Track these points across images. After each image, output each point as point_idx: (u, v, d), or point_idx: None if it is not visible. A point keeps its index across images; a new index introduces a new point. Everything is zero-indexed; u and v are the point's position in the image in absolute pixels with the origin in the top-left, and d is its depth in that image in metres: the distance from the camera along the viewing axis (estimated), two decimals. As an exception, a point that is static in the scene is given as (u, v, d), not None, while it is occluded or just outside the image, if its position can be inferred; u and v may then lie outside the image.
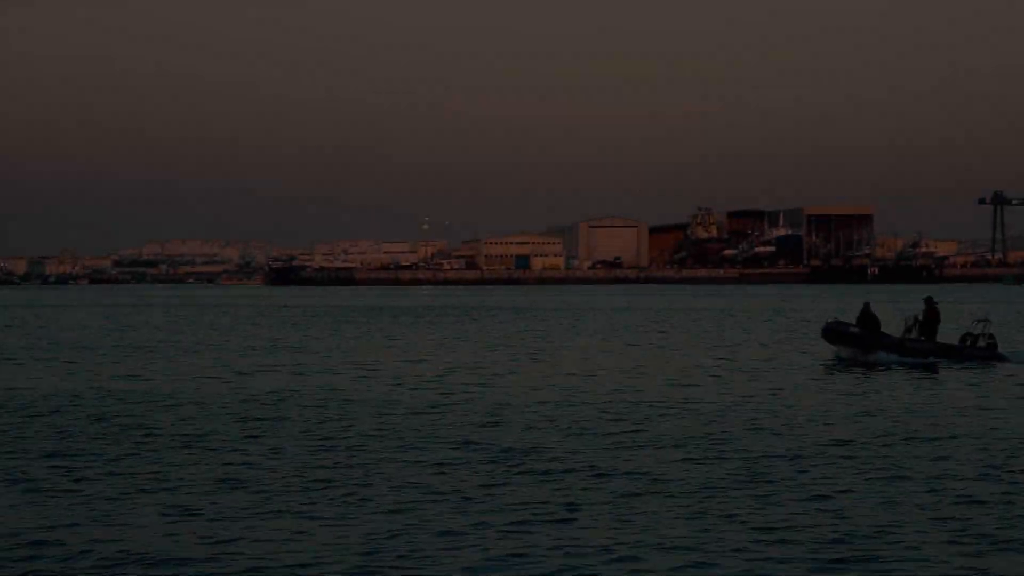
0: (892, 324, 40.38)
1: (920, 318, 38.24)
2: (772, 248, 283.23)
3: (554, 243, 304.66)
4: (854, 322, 39.36)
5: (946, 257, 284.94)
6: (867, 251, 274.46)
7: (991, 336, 37.77)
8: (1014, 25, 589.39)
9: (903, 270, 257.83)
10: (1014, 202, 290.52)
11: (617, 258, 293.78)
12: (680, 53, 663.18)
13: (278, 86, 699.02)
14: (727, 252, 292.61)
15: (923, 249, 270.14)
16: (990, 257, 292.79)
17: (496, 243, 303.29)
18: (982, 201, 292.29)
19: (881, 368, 35.63)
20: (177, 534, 13.98)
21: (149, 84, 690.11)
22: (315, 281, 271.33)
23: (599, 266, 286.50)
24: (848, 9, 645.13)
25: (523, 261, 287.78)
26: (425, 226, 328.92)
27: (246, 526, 14.37)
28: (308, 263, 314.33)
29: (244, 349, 48.17)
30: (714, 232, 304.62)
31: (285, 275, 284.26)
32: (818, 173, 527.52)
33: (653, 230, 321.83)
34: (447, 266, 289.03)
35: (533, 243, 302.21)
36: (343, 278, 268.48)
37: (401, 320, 78.35)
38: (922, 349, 37.44)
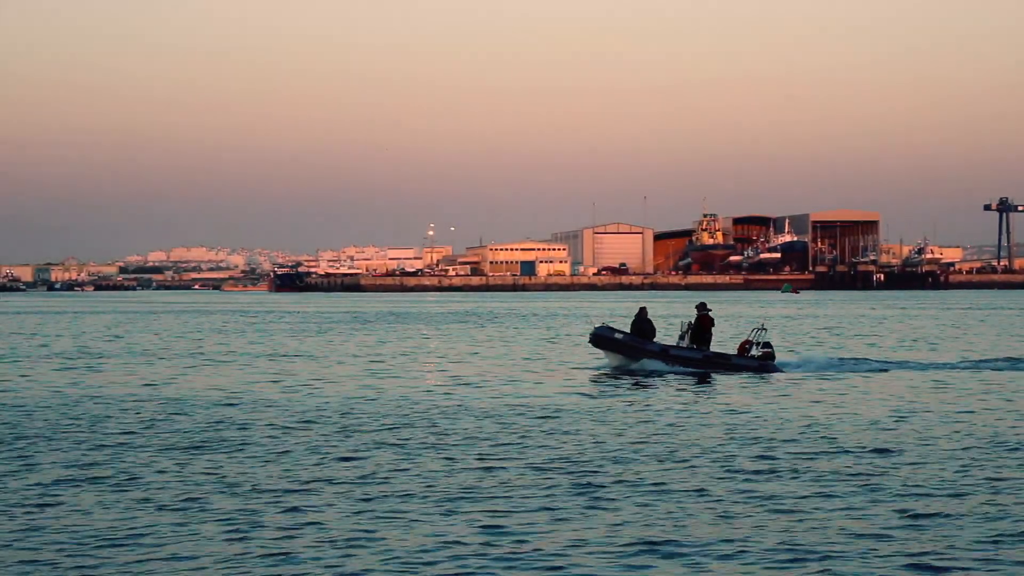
0: (673, 330, 39.50)
1: (692, 325, 36.89)
2: (778, 255, 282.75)
3: (559, 249, 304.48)
4: (630, 327, 37.95)
5: (952, 263, 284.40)
6: (873, 257, 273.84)
7: (767, 344, 36.52)
8: (1021, 32, 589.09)
9: (909, 276, 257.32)
10: (1020, 208, 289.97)
11: (622, 264, 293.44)
12: (686, 59, 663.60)
13: (285, 93, 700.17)
14: (733, 258, 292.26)
15: (929, 255, 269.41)
16: (996, 263, 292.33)
17: (501, 249, 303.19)
18: (988, 207, 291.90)
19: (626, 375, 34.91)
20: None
21: (155, 91, 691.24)
22: (320, 287, 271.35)
23: (604, 272, 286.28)
24: (855, 14, 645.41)
25: (529, 267, 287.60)
26: (431, 232, 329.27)
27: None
28: (314, 269, 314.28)
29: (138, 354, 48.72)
30: (720, 238, 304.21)
31: (290, 281, 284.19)
32: (824, 179, 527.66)
33: (659, 236, 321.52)
34: (453, 272, 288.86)
35: (538, 249, 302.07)
36: (349, 284, 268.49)
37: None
38: (688, 358, 36.14)
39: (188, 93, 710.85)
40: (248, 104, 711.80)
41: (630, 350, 36.63)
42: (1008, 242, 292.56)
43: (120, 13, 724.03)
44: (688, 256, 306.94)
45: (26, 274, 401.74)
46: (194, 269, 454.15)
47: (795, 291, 62.04)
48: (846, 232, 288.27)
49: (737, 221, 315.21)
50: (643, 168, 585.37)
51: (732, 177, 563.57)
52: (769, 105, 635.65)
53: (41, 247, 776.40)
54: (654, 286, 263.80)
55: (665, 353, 36.32)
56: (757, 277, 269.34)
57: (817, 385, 32.50)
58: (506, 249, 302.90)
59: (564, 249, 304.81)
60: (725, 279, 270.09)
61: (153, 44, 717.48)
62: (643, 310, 37.74)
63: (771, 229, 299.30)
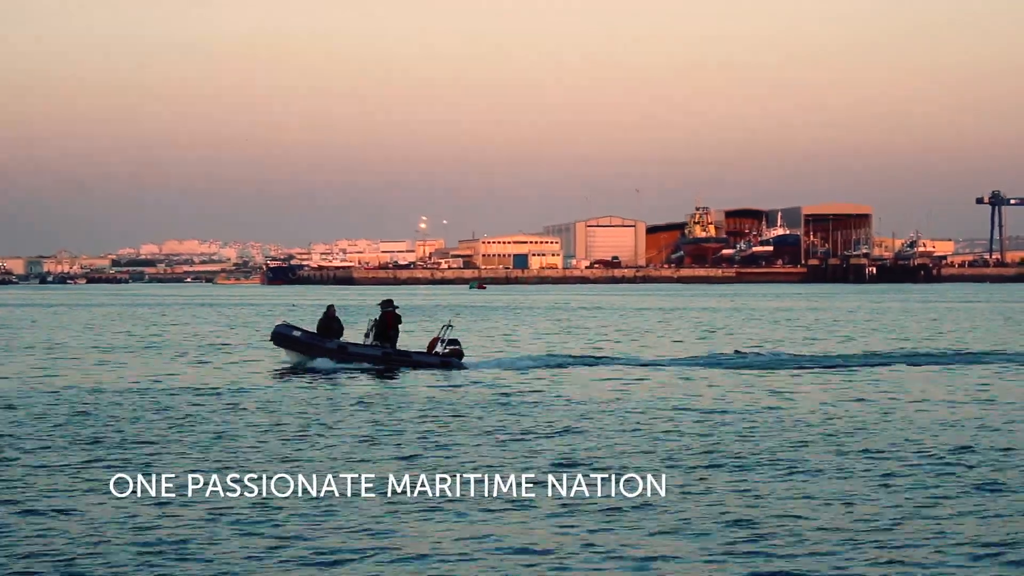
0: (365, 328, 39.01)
1: (377, 323, 36.87)
2: (770, 248, 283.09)
3: (552, 242, 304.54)
4: (316, 326, 37.87)
5: (944, 256, 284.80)
6: (865, 251, 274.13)
7: (455, 342, 36.71)
8: (1013, 25, 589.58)
9: (901, 270, 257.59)
10: (1012, 202, 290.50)
11: (615, 257, 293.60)
12: (678, 53, 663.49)
13: (276, 87, 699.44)
14: (725, 252, 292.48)
15: (921, 248, 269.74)
16: (988, 256, 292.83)
17: (494, 242, 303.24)
18: (980, 201, 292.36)
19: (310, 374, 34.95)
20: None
21: (148, 84, 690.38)
22: (313, 280, 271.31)
23: (597, 265, 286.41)
24: (849, 6, 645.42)
25: (521, 260, 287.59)
26: (423, 225, 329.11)
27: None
28: (306, 262, 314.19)
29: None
30: (712, 231, 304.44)
31: (283, 274, 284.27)
32: (817, 173, 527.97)
33: (651, 229, 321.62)
34: (445, 265, 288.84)
35: (531, 242, 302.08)
36: (341, 277, 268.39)
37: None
38: (368, 355, 36.24)
39: (180, 87, 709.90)
40: (239, 97, 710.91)
41: (308, 348, 36.51)
42: (1000, 235, 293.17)
43: (110, 7, 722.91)
44: (680, 249, 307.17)
45: (18, 267, 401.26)
46: (186, 262, 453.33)
47: (481, 287, 62.98)
48: (838, 225, 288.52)
49: (729, 214, 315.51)
50: (636, 161, 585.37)
51: (725, 170, 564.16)
52: (762, 98, 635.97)
53: (34, 240, 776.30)
54: (646, 279, 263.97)
55: (343, 351, 36.33)
56: (749, 270, 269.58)
57: (488, 376, 33.46)
58: (498, 242, 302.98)
59: (556, 242, 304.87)
60: (717, 272, 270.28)
61: (144, 38, 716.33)
62: (331, 308, 37.80)
63: (763, 222, 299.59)
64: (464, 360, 36.68)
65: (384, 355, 36.21)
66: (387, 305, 37.09)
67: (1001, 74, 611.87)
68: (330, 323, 37.02)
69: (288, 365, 36.54)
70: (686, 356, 41.68)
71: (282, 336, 37.13)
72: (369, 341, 36.71)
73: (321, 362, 35.91)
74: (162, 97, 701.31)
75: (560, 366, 37.41)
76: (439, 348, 36.62)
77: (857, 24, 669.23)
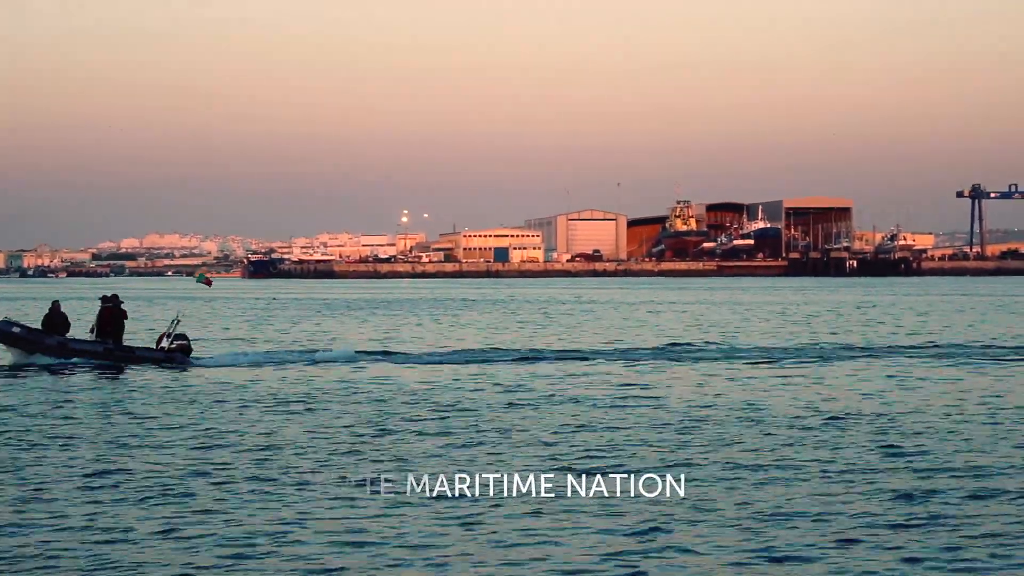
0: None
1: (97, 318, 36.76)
2: (751, 241, 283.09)
3: (533, 236, 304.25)
4: (41, 322, 37.44)
5: (924, 250, 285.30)
6: (845, 244, 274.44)
7: (183, 337, 36.77)
8: (993, 19, 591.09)
9: (881, 263, 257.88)
10: (992, 195, 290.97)
11: (596, 251, 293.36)
12: (660, 47, 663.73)
13: (255, 81, 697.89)
14: (706, 245, 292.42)
15: (901, 242, 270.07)
16: (968, 250, 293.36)
17: (475, 236, 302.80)
18: (960, 194, 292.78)
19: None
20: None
21: (128, 78, 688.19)
22: (294, 274, 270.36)
23: (578, 259, 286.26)
24: (828, 3, 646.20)
25: (502, 254, 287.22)
26: (404, 219, 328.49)
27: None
28: (287, 256, 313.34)
29: None
30: (693, 225, 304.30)
31: (263, 268, 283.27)
32: (797, 166, 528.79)
33: (632, 223, 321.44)
34: (426, 259, 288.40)
35: (512, 236, 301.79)
36: (322, 271, 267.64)
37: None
38: (89, 351, 36.09)
39: (161, 81, 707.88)
40: (220, 92, 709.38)
41: (28, 344, 36.26)
42: (980, 229, 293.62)
43: (89, 4, 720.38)
44: (662, 243, 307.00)
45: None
46: (167, 256, 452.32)
47: (207, 282, 63.42)
48: (819, 219, 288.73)
49: (711, 208, 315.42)
50: (617, 154, 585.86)
51: (706, 164, 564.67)
52: (743, 91, 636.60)
53: (13, 233, 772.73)
54: (627, 272, 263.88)
55: (64, 347, 36.08)
56: (730, 264, 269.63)
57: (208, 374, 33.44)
58: (480, 236, 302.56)
59: (538, 236, 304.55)
60: (698, 266, 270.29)
61: (124, 31, 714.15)
62: (56, 304, 37.45)
63: (744, 216, 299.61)
64: (194, 356, 36.87)
65: (106, 351, 36.11)
66: (106, 300, 36.86)
67: (982, 68, 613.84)
68: (54, 319, 36.75)
69: (6, 362, 36.11)
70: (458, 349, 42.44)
71: (1, 332, 36.63)
72: (92, 336, 36.56)
73: (41, 358, 35.64)
74: (142, 91, 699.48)
75: (283, 363, 37.40)
76: (165, 343, 36.54)
77: (838, 19, 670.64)
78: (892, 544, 13.40)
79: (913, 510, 14.92)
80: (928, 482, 16.64)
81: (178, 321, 37.41)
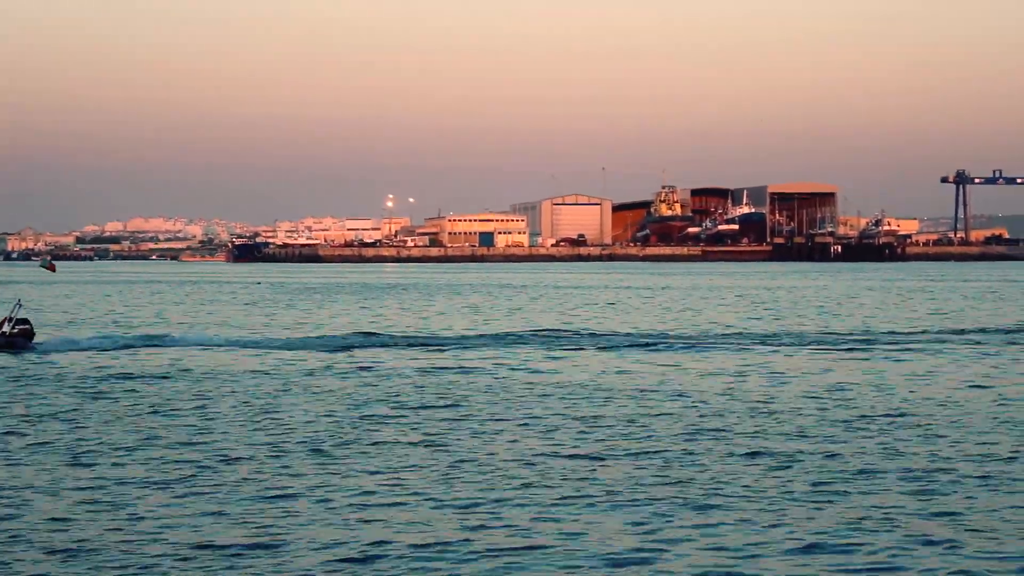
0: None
1: None
2: (736, 226, 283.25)
3: (518, 220, 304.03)
4: None
5: (909, 235, 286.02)
6: (830, 229, 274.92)
7: (25, 321, 37.53)
8: (977, 8, 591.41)
9: (866, 248, 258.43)
10: (976, 181, 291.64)
11: (581, 236, 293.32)
12: (646, 33, 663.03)
13: (242, 66, 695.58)
14: (691, 230, 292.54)
15: (886, 227, 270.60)
16: (952, 235, 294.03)
17: (460, 220, 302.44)
18: (945, 180, 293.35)
19: None
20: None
21: (113, 61, 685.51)
22: (278, 258, 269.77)
23: (563, 244, 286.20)
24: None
25: (487, 238, 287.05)
26: (389, 203, 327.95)
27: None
28: (271, 240, 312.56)
29: None
30: (678, 210, 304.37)
31: (248, 252, 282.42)
32: (782, 151, 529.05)
33: (617, 208, 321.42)
34: (411, 243, 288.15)
35: (497, 220, 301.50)
36: (307, 255, 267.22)
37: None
38: None
39: (146, 63, 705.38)
40: (206, 75, 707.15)
41: None
42: (964, 214, 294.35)
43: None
44: (646, 227, 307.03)
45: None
46: (151, 240, 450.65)
47: (51, 268, 65.43)
48: (804, 204, 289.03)
49: (695, 192, 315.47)
50: (602, 139, 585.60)
51: (691, 149, 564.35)
52: (728, 77, 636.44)
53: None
54: (612, 257, 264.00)
55: None
56: (715, 248, 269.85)
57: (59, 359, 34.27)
58: (465, 220, 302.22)
59: (523, 220, 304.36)
60: (683, 250, 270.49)
61: (110, 14, 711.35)
62: None
63: (729, 201, 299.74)
64: (36, 341, 37.56)
65: None
66: None
67: (967, 56, 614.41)
68: None
69: None
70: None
71: None
72: None
73: None
74: (127, 74, 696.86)
75: (130, 346, 38.42)
76: (6, 328, 37.21)
77: (824, 6, 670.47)
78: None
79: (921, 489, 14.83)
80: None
81: (21, 306, 38.24)
